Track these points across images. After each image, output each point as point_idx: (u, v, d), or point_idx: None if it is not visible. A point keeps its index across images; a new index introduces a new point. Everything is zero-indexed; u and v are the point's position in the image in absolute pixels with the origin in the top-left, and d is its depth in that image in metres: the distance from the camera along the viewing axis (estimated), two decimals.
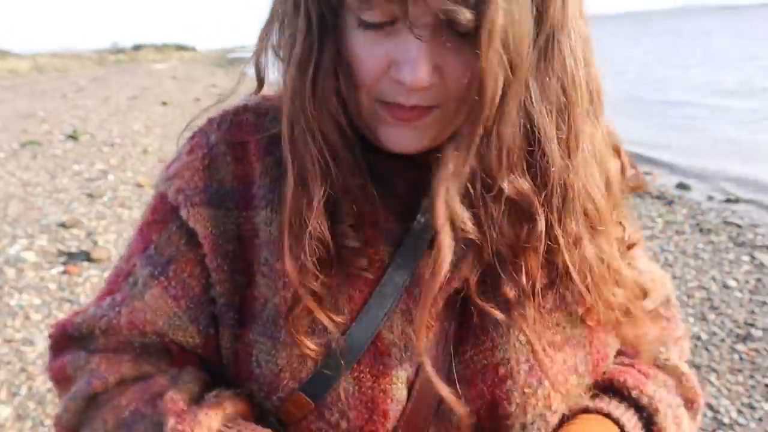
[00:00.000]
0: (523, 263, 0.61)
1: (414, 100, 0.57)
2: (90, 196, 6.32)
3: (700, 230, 5.45)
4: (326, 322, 0.60)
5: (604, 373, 0.70)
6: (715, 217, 5.92)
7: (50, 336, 0.73)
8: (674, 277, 4.37)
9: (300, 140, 0.59)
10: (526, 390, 0.60)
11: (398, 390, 0.60)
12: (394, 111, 0.59)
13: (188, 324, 0.65)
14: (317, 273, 0.60)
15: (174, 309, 0.64)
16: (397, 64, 0.55)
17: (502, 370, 0.61)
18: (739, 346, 3.50)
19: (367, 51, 0.56)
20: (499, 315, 0.61)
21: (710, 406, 2.92)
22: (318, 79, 0.57)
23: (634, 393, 0.68)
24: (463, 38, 0.53)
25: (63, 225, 5.33)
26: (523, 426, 0.61)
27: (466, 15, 0.50)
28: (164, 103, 13.70)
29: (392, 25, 0.55)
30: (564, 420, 0.65)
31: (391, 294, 0.61)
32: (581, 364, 0.65)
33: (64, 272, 4.38)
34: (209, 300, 0.65)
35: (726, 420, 2.84)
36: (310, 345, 0.60)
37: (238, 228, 0.64)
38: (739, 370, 3.26)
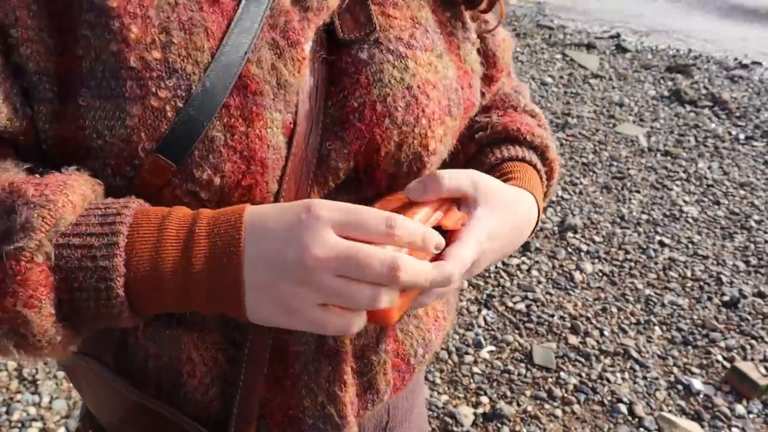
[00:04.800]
0: None
1: None
2: None
3: (517, 35, 5.68)
4: (183, 60, 0.49)
5: (494, 126, 0.71)
6: (529, 22, 6.18)
7: None
8: None
9: None
10: (404, 128, 0.56)
11: (274, 135, 0.51)
12: None
13: None
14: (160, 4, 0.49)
15: None
16: None
17: (380, 108, 0.56)
18: (560, 134, 3.82)
19: None
20: (372, 51, 0.57)
21: None
22: None
23: (528, 137, 0.70)
24: None
25: None
26: (398, 163, 0.56)
27: None
28: None
29: None
30: (489, 170, 0.68)
31: (250, 27, 0.51)
32: (454, 107, 0.60)
33: None
34: (13, 69, 0.49)
35: (553, 197, 3.15)
36: (166, 92, 0.48)
37: None
38: (561, 154, 3.58)
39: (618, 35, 5.86)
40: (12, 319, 0.43)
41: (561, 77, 4.74)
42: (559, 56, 5.19)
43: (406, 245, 0.47)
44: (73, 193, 0.46)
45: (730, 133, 3.95)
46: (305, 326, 0.46)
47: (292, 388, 0.58)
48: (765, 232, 2.97)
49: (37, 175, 0.48)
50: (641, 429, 1.96)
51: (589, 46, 5.42)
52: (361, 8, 0.57)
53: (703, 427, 1.98)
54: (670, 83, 4.69)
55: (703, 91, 4.55)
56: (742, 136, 3.91)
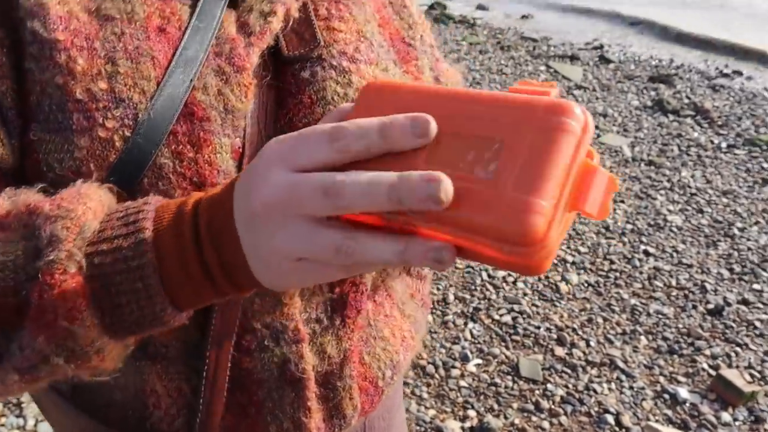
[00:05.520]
0: (334, 11, 0.58)
1: None
2: None
3: (501, 48, 5.73)
4: (130, 89, 0.49)
5: None
6: (513, 34, 6.24)
7: None
8: None
9: None
10: None
11: (224, 160, 0.52)
12: None
13: None
14: (104, 29, 0.50)
15: None
16: None
17: None
18: None
19: None
20: (314, 69, 0.57)
21: None
22: None
23: None
24: None
25: None
26: None
27: None
28: None
29: None
30: None
31: (196, 55, 0.52)
32: None
33: None
34: None
35: None
36: (113, 122, 0.48)
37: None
38: None
39: (601, 46, 5.93)
40: (57, 335, 0.42)
41: None
42: (543, 68, 5.24)
43: (364, 153, 0.37)
44: (90, 200, 0.45)
45: (712, 142, 3.99)
46: (305, 283, 0.41)
47: (257, 415, 0.58)
48: (748, 240, 2.99)
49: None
50: None
51: (573, 58, 5.48)
52: (306, 26, 0.58)
53: None
54: (653, 93, 4.74)
55: (686, 101, 4.60)
56: (724, 145, 3.96)
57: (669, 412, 2.06)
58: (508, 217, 0.32)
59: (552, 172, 0.32)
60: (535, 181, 0.32)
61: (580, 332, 2.39)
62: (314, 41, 0.57)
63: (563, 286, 2.63)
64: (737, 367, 2.25)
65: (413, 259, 0.35)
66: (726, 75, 5.24)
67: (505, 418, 2.03)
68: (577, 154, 0.34)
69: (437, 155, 0.36)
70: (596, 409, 2.06)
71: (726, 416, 2.04)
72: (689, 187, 3.45)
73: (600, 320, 2.46)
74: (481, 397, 2.10)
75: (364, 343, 0.63)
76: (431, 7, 7.01)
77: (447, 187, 0.33)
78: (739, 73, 5.28)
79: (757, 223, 3.13)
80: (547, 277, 2.68)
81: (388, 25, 0.64)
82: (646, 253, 2.87)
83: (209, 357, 0.54)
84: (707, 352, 2.31)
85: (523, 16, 6.97)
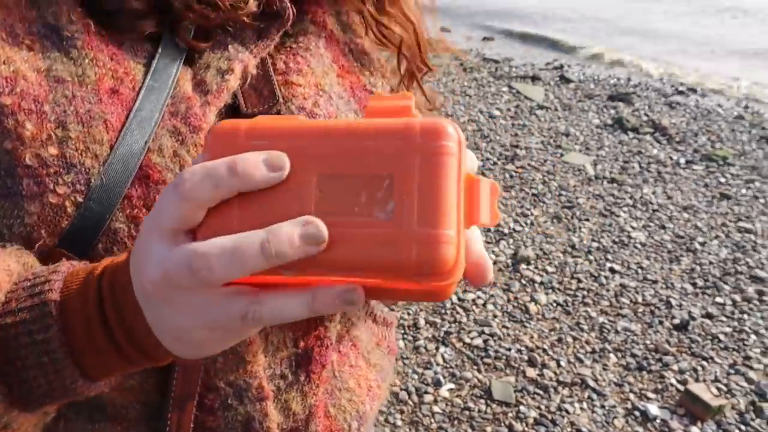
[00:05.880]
0: (292, 64, 0.58)
1: None
2: None
3: (464, 69, 5.81)
4: (81, 154, 0.48)
5: None
6: (475, 55, 6.35)
7: None
8: (447, 115, 4.66)
9: None
10: None
11: None
12: None
13: None
14: (54, 91, 0.48)
15: None
16: None
17: None
18: (509, 166, 3.90)
19: None
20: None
21: None
22: None
23: None
24: None
25: None
26: None
27: None
28: None
29: None
30: None
31: (150, 116, 0.51)
32: None
33: None
34: None
35: (506, 230, 3.20)
36: (65, 187, 0.47)
37: None
38: (511, 186, 3.65)
39: (561, 66, 6.06)
40: None
41: (508, 109, 4.86)
42: (505, 89, 5.33)
43: (217, 195, 0.35)
44: None
45: (671, 158, 4.10)
46: (224, 347, 0.40)
47: None
48: (709, 254, 3.07)
49: None
50: None
51: (534, 78, 5.59)
52: (265, 82, 0.57)
53: None
54: (612, 111, 4.85)
55: (644, 118, 4.72)
56: (682, 161, 4.06)
57: (640, 430, 2.08)
58: (420, 253, 0.34)
59: (447, 200, 0.34)
60: (435, 213, 0.34)
61: (550, 352, 2.41)
62: (273, 98, 0.56)
63: (532, 307, 2.65)
64: (704, 380, 2.29)
65: (324, 308, 0.35)
66: (681, 92, 5.40)
67: None
68: (461, 173, 0.35)
69: (327, 202, 0.35)
70: (569, 429, 2.07)
71: (695, 431, 2.07)
72: (651, 203, 3.53)
73: (570, 339, 2.48)
74: (455, 422, 2.09)
75: (329, 396, 0.62)
76: None
77: (320, 225, 0.34)
78: (694, 91, 5.44)
79: (717, 237, 3.21)
80: (516, 298, 2.70)
81: (348, 74, 0.64)
82: (612, 270, 2.92)
83: (170, 419, 0.53)
84: (675, 367, 2.35)
85: (485, 38, 7.10)
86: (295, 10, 0.58)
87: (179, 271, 0.35)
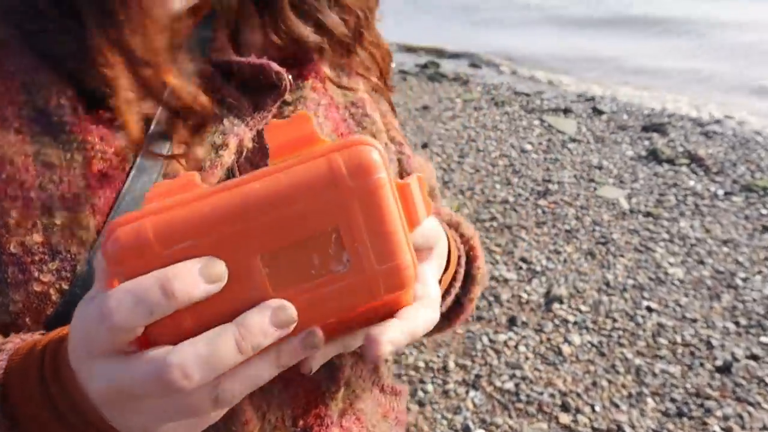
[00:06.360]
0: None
1: None
2: None
3: (495, 103, 5.81)
4: (67, 241, 0.48)
5: None
6: (506, 89, 6.34)
7: None
8: (479, 151, 4.64)
9: None
10: None
11: None
12: None
13: None
14: (41, 176, 0.48)
15: None
16: None
17: None
18: (541, 201, 3.85)
19: None
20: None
21: (524, 260, 3.20)
22: None
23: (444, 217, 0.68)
24: None
25: None
26: None
27: None
28: None
29: None
30: None
31: (140, 197, 0.50)
32: None
33: None
34: None
35: (538, 268, 3.13)
36: (50, 275, 0.47)
37: None
38: (543, 223, 3.59)
39: (593, 98, 6.00)
40: None
41: (540, 143, 4.81)
42: (537, 122, 5.30)
43: (151, 320, 0.33)
44: None
45: (708, 190, 3.98)
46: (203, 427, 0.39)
47: None
48: (752, 290, 2.95)
49: None
50: None
51: (566, 111, 5.54)
52: (261, 156, 0.56)
53: None
54: (646, 142, 4.76)
55: (680, 149, 4.62)
56: (720, 192, 3.94)
57: None
58: (388, 285, 0.35)
59: (396, 229, 0.35)
60: (390, 246, 0.35)
61: (584, 396, 2.32)
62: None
63: (566, 348, 2.58)
64: (751, 429, 2.17)
65: (291, 360, 0.36)
66: (718, 121, 5.27)
67: None
68: (395, 192, 0.36)
69: (281, 277, 0.34)
70: None
71: None
72: (689, 237, 3.42)
73: (605, 383, 2.39)
74: None
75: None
76: (425, 66, 7.15)
77: (287, 307, 0.34)
78: (731, 118, 5.31)
79: (760, 272, 3.09)
80: (549, 339, 2.63)
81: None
82: (649, 309, 2.82)
83: None
84: (718, 413, 2.24)
85: (514, 72, 7.10)
86: (291, 80, 0.57)
87: (144, 383, 0.33)
